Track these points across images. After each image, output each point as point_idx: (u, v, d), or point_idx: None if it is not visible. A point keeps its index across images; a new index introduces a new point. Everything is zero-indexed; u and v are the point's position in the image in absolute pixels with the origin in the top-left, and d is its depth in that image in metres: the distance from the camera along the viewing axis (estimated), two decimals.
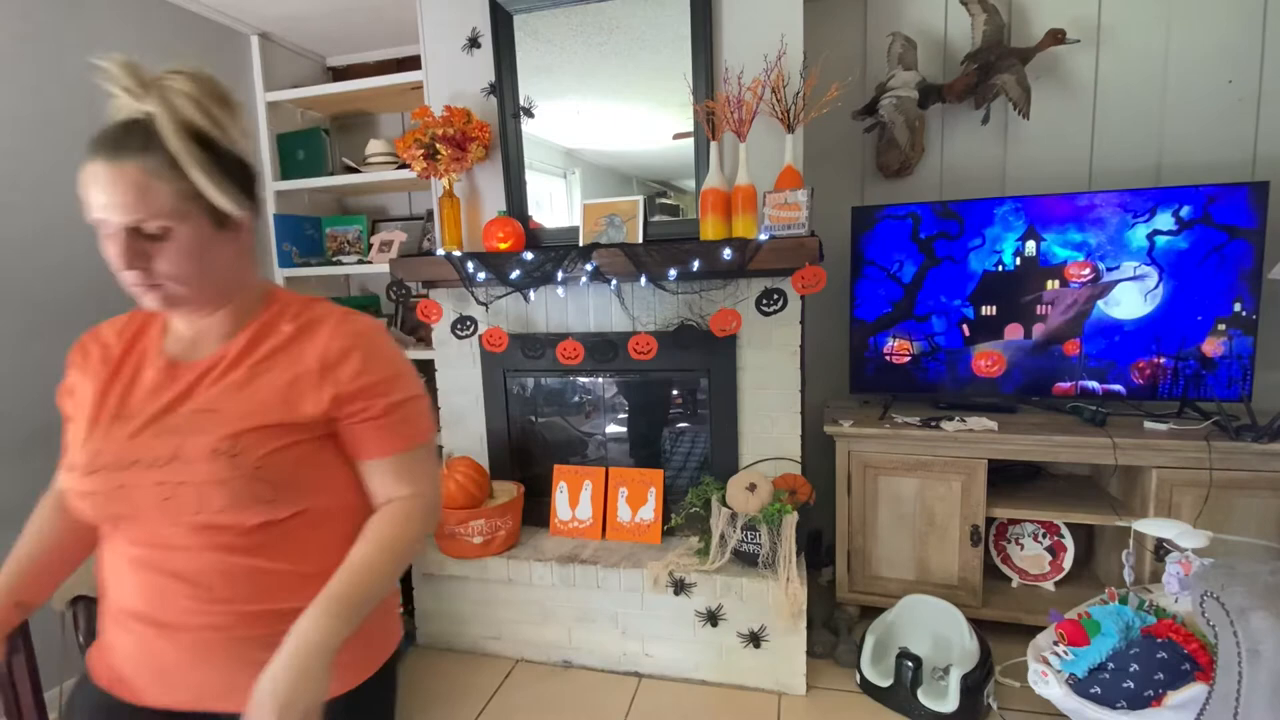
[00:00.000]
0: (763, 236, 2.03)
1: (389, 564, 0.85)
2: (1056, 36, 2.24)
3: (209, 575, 0.84)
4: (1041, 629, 1.71)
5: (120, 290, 0.87)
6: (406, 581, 2.42)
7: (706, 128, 2.12)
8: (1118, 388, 2.23)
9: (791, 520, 2.06)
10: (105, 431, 0.85)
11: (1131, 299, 2.19)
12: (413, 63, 2.68)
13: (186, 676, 0.87)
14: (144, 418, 0.84)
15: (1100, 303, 2.21)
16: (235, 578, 0.84)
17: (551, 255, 2.19)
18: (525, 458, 2.58)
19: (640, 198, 2.24)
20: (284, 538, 0.86)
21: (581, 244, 2.24)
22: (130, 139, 0.77)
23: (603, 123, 2.32)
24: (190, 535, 0.83)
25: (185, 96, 0.78)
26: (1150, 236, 2.15)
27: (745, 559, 2.13)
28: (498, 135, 2.37)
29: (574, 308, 2.39)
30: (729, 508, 2.13)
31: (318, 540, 0.88)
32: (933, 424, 2.25)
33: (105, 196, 0.79)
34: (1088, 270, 2.21)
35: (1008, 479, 2.36)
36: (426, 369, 2.93)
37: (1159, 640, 1.48)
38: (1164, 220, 2.13)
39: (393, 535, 0.87)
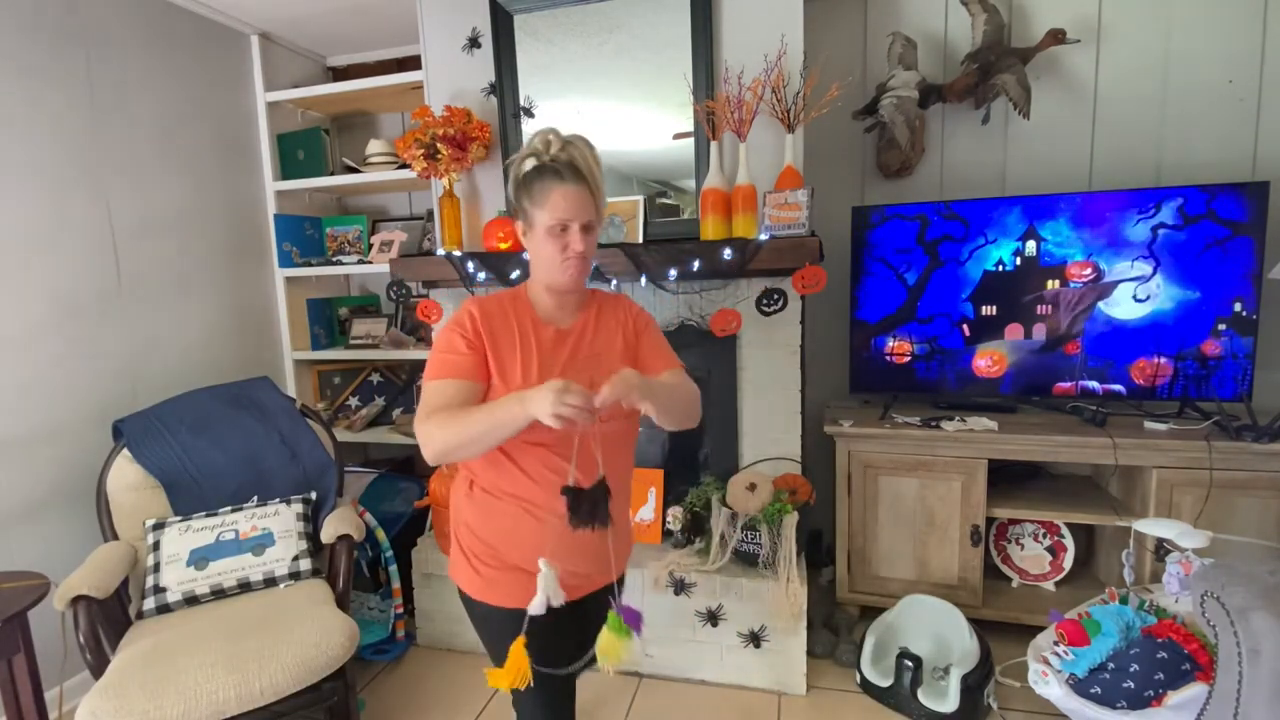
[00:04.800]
0: (763, 236, 2.03)
1: (679, 387, 1.26)
2: (1056, 36, 2.24)
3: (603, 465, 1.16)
4: (1041, 629, 1.71)
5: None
6: (407, 581, 2.42)
7: (706, 128, 2.12)
8: (1118, 387, 2.23)
9: (791, 520, 2.06)
10: (542, 372, 1.21)
11: (1132, 299, 2.18)
12: (413, 63, 2.68)
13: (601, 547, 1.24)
14: (561, 362, 1.25)
15: (1101, 303, 2.21)
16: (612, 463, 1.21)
17: None
18: None
19: (640, 198, 2.24)
20: (631, 430, 1.36)
21: None
22: (577, 174, 1.20)
23: (603, 123, 2.32)
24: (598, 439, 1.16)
25: (588, 149, 1.23)
26: (1151, 237, 2.15)
27: (745, 559, 2.13)
28: (498, 135, 2.37)
29: None
30: (729, 508, 2.13)
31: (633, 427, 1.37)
32: (933, 424, 2.25)
33: (574, 207, 1.19)
34: (1088, 270, 2.21)
35: (1008, 479, 2.36)
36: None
37: (1159, 640, 1.48)
38: (1165, 219, 2.13)
39: (681, 379, 1.31)
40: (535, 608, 1.09)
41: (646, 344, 1.35)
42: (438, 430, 1.12)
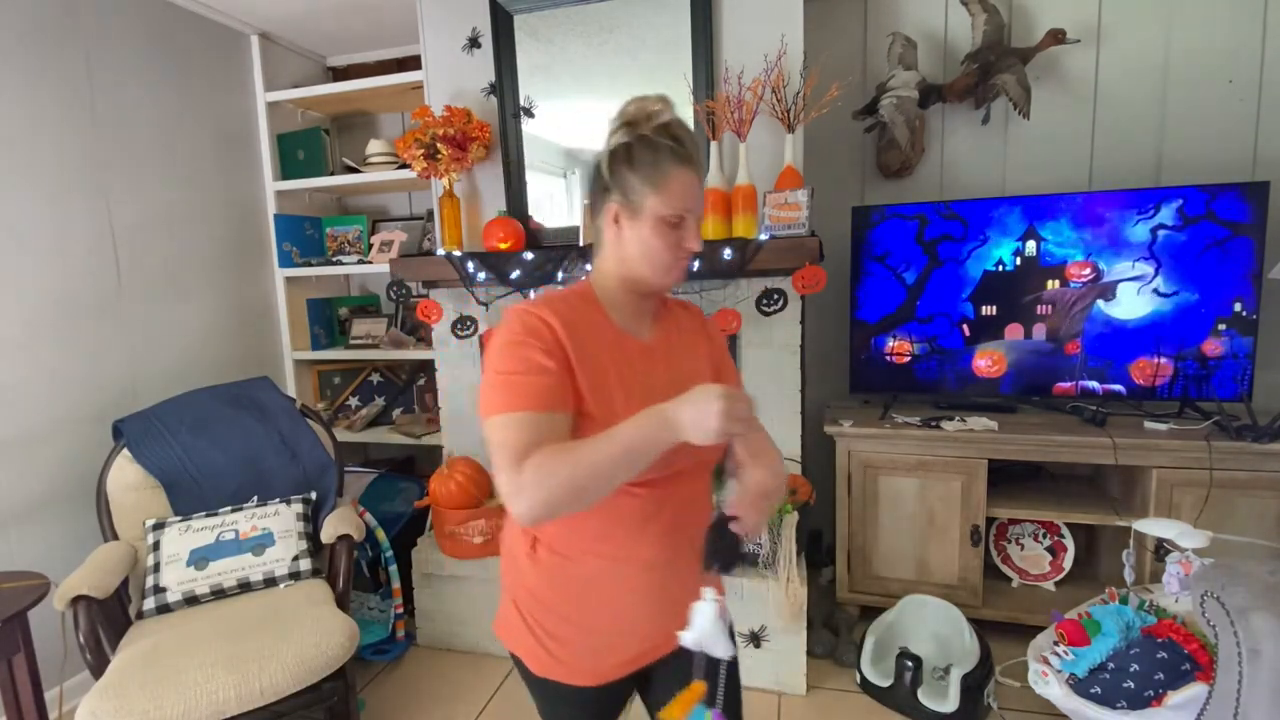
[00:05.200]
0: (763, 236, 2.03)
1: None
2: (1056, 36, 2.24)
3: (701, 504, 1.02)
4: (1041, 629, 1.71)
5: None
6: (407, 581, 2.42)
7: (707, 128, 2.12)
8: (1118, 387, 2.23)
9: (791, 520, 2.06)
10: (643, 395, 0.94)
11: (1132, 299, 2.19)
12: (413, 63, 2.68)
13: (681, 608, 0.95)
14: (661, 384, 0.98)
15: (1101, 302, 2.21)
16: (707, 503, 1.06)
17: (551, 255, 2.19)
18: None
19: None
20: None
21: (582, 244, 2.24)
22: (692, 155, 0.99)
23: (603, 122, 2.32)
24: (699, 475, 1.03)
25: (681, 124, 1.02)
26: (1151, 238, 2.14)
27: (745, 559, 2.13)
28: (498, 135, 2.37)
29: None
30: None
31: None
32: (933, 424, 2.25)
33: (693, 196, 0.98)
34: (1088, 270, 2.21)
35: (1008, 479, 2.36)
36: (427, 369, 2.93)
37: (1159, 640, 1.48)
38: (1164, 219, 2.13)
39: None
40: (689, 642, 0.88)
41: (727, 375, 1.13)
42: (543, 478, 0.82)
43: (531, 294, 2.34)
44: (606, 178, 1.00)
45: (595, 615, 1.01)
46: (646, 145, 0.98)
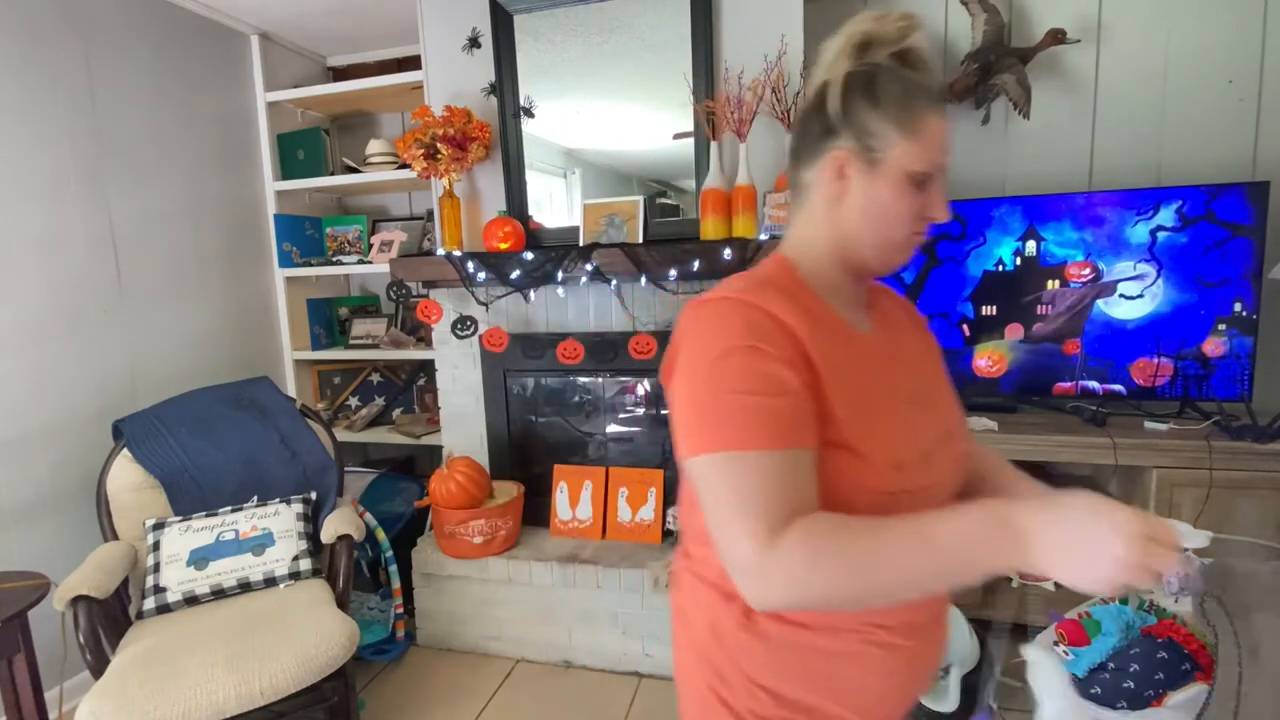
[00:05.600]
0: (763, 236, 2.03)
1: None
2: (1056, 36, 2.24)
3: None
4: (1041, 629, 1.71)
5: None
6: (407, 581, 2.42)
7: (706, 128, 2.12)
8: (1118, 387, 2.23)
9: None
10: (908, 422, 0.74)
11: (1132, 299, 2.19)
12: (413, 63, 2.68)
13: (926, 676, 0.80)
14: (907, 395, 0.76)
15: (1101, 302, 2.21)
16: None
17: (551, 255, 2.19)
18: (525, 458, 2.58)
19: (640, 198, 2.24)
20: None
21: (581, 244, 2.24)
22: (941, 95, 0.75)
23: (603, 123, 2.32)
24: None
25: None
26: (1150, 237, 2.14)
27: None
28: (498, 135, 2.37)
29: (574, 308, 2.39)
30: None
31: None
32: None
33: (946, 148, 0.74)
34: (1088, 270, 2.21)
35: None
36: (427, 369, 2.93)
37: (1159, 640, 1.48)
38: (1163, 220, 2.13)
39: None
40: None
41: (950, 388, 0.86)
42: (814, 566, 0.60)
43: (531, 294, 2.33)
44: (835, 115, 0.73)
45: (843, 698, 0.75)
46: (893, 76, 0.72)
